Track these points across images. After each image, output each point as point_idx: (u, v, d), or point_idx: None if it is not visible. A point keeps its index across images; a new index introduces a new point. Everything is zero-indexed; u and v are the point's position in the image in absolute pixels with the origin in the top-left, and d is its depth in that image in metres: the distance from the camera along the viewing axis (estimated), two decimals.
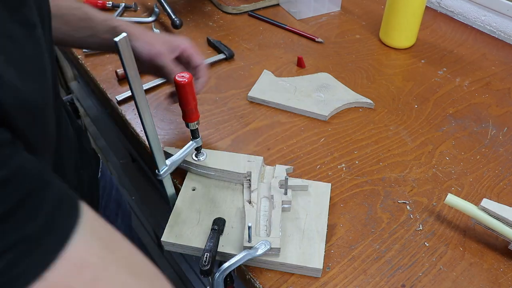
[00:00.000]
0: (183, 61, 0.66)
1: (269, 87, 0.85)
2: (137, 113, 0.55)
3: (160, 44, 0.63)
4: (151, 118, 0.53)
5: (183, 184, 0.65)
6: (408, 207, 0.65)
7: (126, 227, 0.87)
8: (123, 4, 1.08)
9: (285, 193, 0.61)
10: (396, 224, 0.63)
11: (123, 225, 0.85)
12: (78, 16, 0.62)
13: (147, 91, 0.85)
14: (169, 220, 0.60)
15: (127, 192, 1.42)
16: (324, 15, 1.12)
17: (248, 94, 0.83)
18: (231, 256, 0.55)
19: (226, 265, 0.52)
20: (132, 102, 0.79)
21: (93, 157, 0.75)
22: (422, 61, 0.96)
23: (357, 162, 0.72)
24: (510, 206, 0.56)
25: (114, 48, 0.59)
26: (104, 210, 0.77)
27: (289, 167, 0.65)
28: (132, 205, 1.41)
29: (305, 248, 0.57)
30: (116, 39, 0.43)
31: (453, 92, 0.87)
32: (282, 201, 0.60)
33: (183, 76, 0.54)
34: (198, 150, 0.65)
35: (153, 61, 0.63)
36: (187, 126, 0.60)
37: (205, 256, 0.53)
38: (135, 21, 1.05)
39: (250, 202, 0.60)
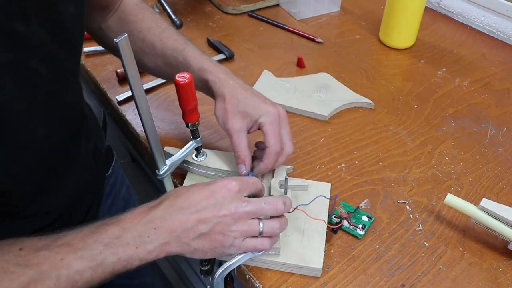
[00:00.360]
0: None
1: (269, 87, 0.85)
2: (137, 113, 0.55)
3: (237, 121, 0.58)
4: (151, 118, 0.53)
5: (183, 184, 0.65)
6: (407, 207, 0.65)
7: None
8: None
9: (285, 193, 0.61)
10: (396, 224, 0.63)
11: None
12: (179, 60, 0.62)
13: (147, 91, 0.85)
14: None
15: None
16: (324, 15, 1.12)
17: None
18: (231, 256, 0.55)
19: (226, 265, 0.52)
20: (132, 102, 0.79)
21: (105, 154, 0.74)
22: (422, 61, 0.96)
23: (357, 162, 0.72)
24: (509, 206, 0.57)
25: (207, 91, 0.62)
26: (110, 208, 0.77)
27: (289, 167, 0.65)
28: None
29: (305, 248, 0.57)
30: (116, 39, 0.44)
31: (452, 92, 0.87)
32: None
33: (183, 76, 0.54)
34: (198, 150, 0.65)
35: (224, 129, 0.60)
36: (187, 126, 0.60)
37: None
38: None
39: None
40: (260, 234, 0.50)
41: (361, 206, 0.63)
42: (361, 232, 0.60)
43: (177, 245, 0.47)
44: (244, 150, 0.58)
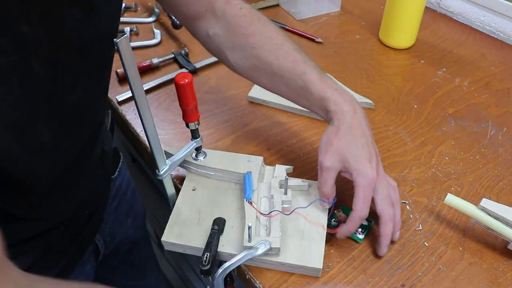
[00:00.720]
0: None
1: None
2: (137, 113, 0.55)
3: (333, 160, 0.55)
4: (151, 118, 0.53)
5: (183, 184, 0.65)
6: (407, 207, 0.65)
7: (138, 228, 0.86)
8: (124, 4, 1.08)
9: (285, 193, 0.61)
10: None
11: (133, 226, 0.84)
12: (299, 84, 0.58)
13: (147, 91, 0.85)
14: (169, 220, 0.60)
15: None
16: (324, 15, 1.12)
17: (248, 94, 0.83)
18: (231, 256, 0.55)
19: (226, 265, 0.53)
20: (132, 102, 0.79)
21: (112, 156, 0.74)
22: (422, 61, 0.96)
23: None
24: (509, 206, 0.57)
25: (326, 119, 0.59)
26: (115, 210, 0.77)
27: (289, 167, 0.65)
28: None
29: (305, 248, 0.57)
30: (116, 39, 0.44)
31: (452, 92, 0.87)
32: (282, 201, 0.60)
33: (183, 76, 0.54)
34: (198, 150, 0.65)
35: (318, 158, 0.57)
36: (187, 126, 0.60)
37: (205, 256, 0.54)
38: (135, 21, 1.05)
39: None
40: None
41: None
42: (361, 236, 0.60)
43: None
44: (328, 189, 0.57)
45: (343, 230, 0.57)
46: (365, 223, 0.61)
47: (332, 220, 0.61)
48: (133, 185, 0.86)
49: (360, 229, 0.60)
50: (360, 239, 0.60)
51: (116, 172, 0.77)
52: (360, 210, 0.55)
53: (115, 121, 0.88)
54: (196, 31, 0.67)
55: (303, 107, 0.62)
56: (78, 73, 0.48)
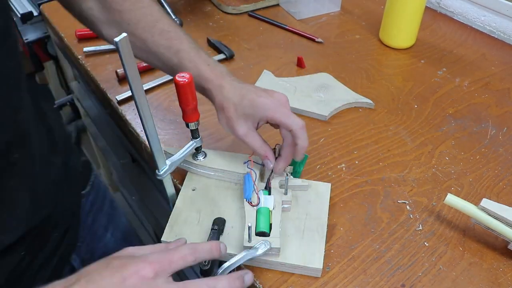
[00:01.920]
0: (274, 125, 0.61)
1: (269, 87, 0.84)
2: (137, 113, 0.55)
3: (242, 123, 0.58)
4: (151, 118, 0.53)
5: (183, 184, 0.65)
6: (408, 207, 0.65)
7: (118, 241, 0.82)
8: None
9: (285, 193, 0.61)
10: (396, 224, 0.63)
11: (114, 239, 0.81)
12: (173, 62, 0.60)
13: (147, 91, 0.85)
14: (169, 220, 0.60)
15: (127, 191, 1.42)
16: (324, 15, 1.12)
17: None
18: (231, 256, 0.55)
19: (226, 265, 0.52)
20: (132, 102, 0.79)
21: (80, 170, 0.71)
22: (422, 61, 0.96)
23: (357, 162, 0.72)
24: (509, 206, 0.57)
25: (207, 97, 0.61)
26: (92, 226, 0.74)
27: (289, 167, 0.65)
28: (132, 205, 1.41)
29: (305, 248, 0.57)
30: (116, 39, 0.44)
31: (452, 92, 0.87)
32: (282, 201, 0.60)
33: (183, 76, 0.54)
34: (198, 150, 0.65)
35: (235, 136, 0.60)
36: (187, 126, 0.60)
37: None
38: None
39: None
40: None
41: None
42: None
43: None
44: (260, 147, 0.59)
45: (300, 147, 0.58)
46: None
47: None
48: (111, 197, 0.83)
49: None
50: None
51: (88, 187, 0.74)
52: (294, 122, 0.56)
53: (113, 120, 0.88)
54: (69, 3, 0.64)
55: None
56: None
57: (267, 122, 0.60)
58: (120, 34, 0.56)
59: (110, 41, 0.63)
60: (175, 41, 0.60)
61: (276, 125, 0.60)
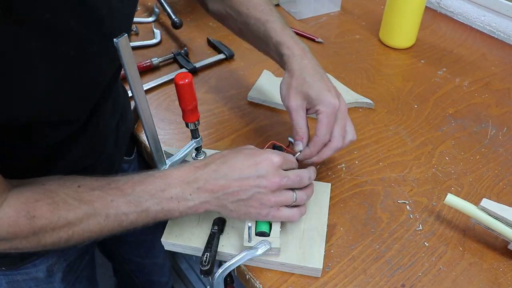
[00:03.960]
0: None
1: (269, 87, 0.85)
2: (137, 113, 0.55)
3: (298, 99, 0.59)
4: (151, 118, 0.53)
5: None
6: (408, 207, 0.65)
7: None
8: None
9: None
10: (396, 224, 0.63)
11: None
12: (261, 31, 0.64)
13: (147, 91, 0.85)
14: (168, 220, 0.60)
15: None
16: (324, 15, 1.12)
17: (248, 94, 0.83)
18: (231, 256, 0.55)
19: (226, 265, 0.53)
20: (132, 102, 0.79)
21: (130, 140, 0.79)
22: (422, 61, 0.96)
23: (357, 162, 0.72)
24: (509, 206, 0.57)
25: (282, 65, 0.64)
26: None
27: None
28: None
29: (305, 248, 0.57)
30: (116, 39, 0.44)
31: (452, 92, 0.87)
32: None
33: (183, 76, 0.54)
34: (198, 150, 0.65)
35: (284, 105, 0.61)
36: (187, 126, 0.60)
37: (205, 256, 0.53)
38: (135, 21, 1.05)
39: None
40: (293, 203, 0.54)
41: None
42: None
43: (215, 204, 0.52)
44: (303, 127, 0.59)
45: (305, 152, 0.59)
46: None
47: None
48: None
49: None
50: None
51: (133, 156, 0.82)
52: (323, 135, 0.58)
53: None
54: None
55: (264, 53, 0.69)
56: (102, 52, 0.50)
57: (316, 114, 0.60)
58: (222, 7, 0.68)
59: (213, 15, 0.73)
60: (265, 14, 0.65)
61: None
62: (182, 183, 0.51)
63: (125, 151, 0.78)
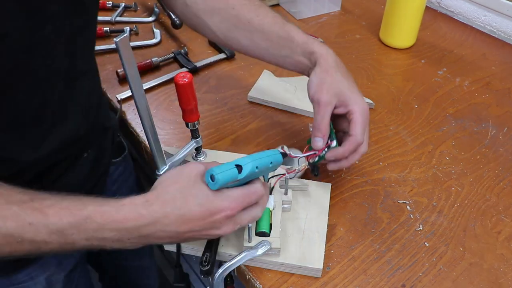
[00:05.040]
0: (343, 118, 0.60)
1: (269, 87, 0.85)
2: (137, 113, 0.55)
3: (330, 95, 0.57)
4: (151, 118, 0.53)
5: None
6: (408, 207, 0.65)
7: None
8: (123, 4, 1.08)
9: (285, 193, 0.61)
10: (396, 224, 0.63)
11: None
12: (280, 34, 0.62)
13: (147, 90, 0.85)
14: None
15: None
16: (324, 15, 1.12)
17: (248, 94, 0.83)
18: (231, 256, 0.55)
19: (226, 265, 0.52)
20: (132, 102, 0.79)
21: (117, 142, 0.77)
22: (422, 61, 0.96)
23: (357, 162, 0.72)
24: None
25: (304, 66, 0.62)
26: (114, 194, 0.78)
27: (289, 167, 0.65)
28: None
29: (305, 248, 0.57)
30: (116, 39, 0.43)
31: (453, 92, 0.87)
32: (282, 201, 0.60)
33: (183, 76, 0.54)
34: (198, 150, 0.65)
35: (312, 101, 0.59)
36: (187, 126, 0.60)
37: (205, 256, 0.53)
38: (135, 21, 1.05)
39: None
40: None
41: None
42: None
43: (159, 242, 0.47)
44: (326, 125, 0.58)
45: (338, 151, 0.58)
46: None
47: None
48: (134, 178, 0.87)
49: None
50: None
51: (120, 158, 0.80)
52: (359, 134, 0.56)
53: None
54: (173, 1, 0.68)
55: (285, 58, 0.64)
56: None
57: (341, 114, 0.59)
58: (225, 19, 0.62)
59: (216, 31, 0.66)
60: (280, 19, 0.63)
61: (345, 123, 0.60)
62: (121, 228, 0.44)
63: (111, 152, 0.73)
